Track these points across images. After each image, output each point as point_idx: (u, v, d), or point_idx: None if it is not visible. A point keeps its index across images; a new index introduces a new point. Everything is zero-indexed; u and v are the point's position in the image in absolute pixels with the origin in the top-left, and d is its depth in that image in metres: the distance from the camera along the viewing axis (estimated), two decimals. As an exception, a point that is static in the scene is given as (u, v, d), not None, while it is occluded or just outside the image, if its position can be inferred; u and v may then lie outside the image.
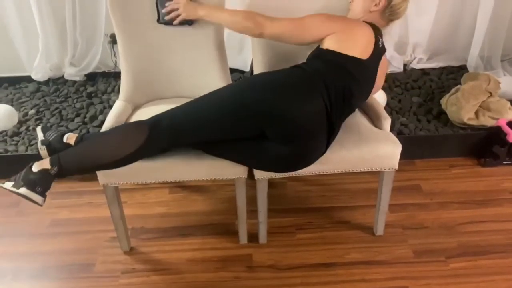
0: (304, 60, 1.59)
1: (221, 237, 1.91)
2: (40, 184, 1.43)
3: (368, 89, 1.64)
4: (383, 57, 1.66)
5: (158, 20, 1.75)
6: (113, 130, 1.58)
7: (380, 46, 1.60)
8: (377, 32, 1.60)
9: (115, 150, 1.47)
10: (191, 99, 1.55)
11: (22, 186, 1.41)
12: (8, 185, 1.43)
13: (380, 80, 1.70)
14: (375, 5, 1.63)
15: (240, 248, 1.85)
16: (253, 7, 1.81)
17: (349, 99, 1.52)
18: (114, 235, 1.83)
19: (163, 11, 1.71)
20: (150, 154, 1.55)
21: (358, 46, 1.52)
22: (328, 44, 1.53)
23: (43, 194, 1.44)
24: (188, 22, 1.74)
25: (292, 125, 1.41)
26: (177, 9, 1.69)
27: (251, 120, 1.44)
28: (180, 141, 1.52)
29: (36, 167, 1.45)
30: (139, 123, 1.51)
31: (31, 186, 1.41)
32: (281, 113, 1.40)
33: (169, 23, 1.73)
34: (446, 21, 2.81)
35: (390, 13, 1.65)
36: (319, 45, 1.60)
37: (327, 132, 1.49)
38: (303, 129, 1.42)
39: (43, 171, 1.44)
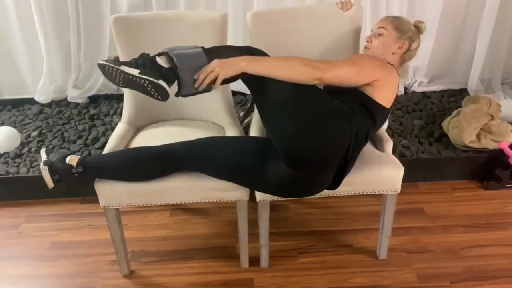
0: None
1: (222, 260, 1.88)
2: (172, 79, 1.42)
3: (379, 128, 1.72)
4: None
5: (179, 93, 1.47)
6: (227, 50, 1.54)
7: (398, 93, 1.64)
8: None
9: None
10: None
11: (160, 77, 1.39)
12: (133, 71, 1.39)
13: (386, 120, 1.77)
14: (399, 48, 1.67)
15: (242, 272, 1.83)
16: (254, 40, 1.85)
17: (367, 140, 1.59)
18: (114, 258, 1.81)
19: (196, 80, 1.43)
20: None
21: (388, 97, 1.57)
22: (367, 90, 1.55)
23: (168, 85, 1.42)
24: (207, 89, 1.46)
25: (315, 155, 1.41)
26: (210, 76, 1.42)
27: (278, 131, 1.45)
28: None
29: (162, 62, 1.42)
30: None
31: (166, 78, 1.40)
32: (312, 137, 1.40)
33: (192, 93, 1.47)
34: (446, 44, 2.85)
35: (408, 56, 1.71)
36: None
37: (336, 170, 1.51)
38: (318, 161, 1.43)
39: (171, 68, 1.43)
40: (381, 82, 1.54)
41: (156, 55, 1.44)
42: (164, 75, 1.41)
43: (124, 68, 1.40)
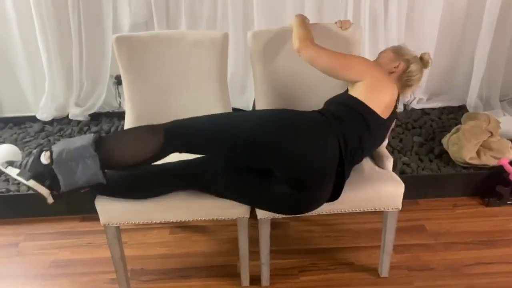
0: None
1: (222, 279, 1.87)
2: (49, 178, 1.37)
3: (377, 145, 1.71)
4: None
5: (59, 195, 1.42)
6: (128, 136, 1.53)
7: (397, 110, 1.66)
8: (398, 96, 1.65)
9: (130, 156, 1.45)
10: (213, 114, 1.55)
11: (31, 177, 1.36)
12: (13, 172, 1.38)
13: (386, 138, 1.76)
14: (395, 67, 1.69)
15: (242, 290, 1.82)
16: (254, 59, 1.87)
17: (362, 151, 1.56)
18: (114, 276, 1.80)
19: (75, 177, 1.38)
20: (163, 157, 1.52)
21: (382, 104, 1.56)
22: (358, 93, 1.56)
23: (51, 189, 1.38)
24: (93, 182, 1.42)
25: (306, 169, 1.42)
26: None
27: (264, 154, 1.45)
28: (193, 150, 1.51)
29: (43, 159, 1.39)
30: (154, 129, 1.48)
31: (40, 179, 1.36)
32: (298, 156, 1.41)
33: (68, 190, 1.41)
34: (444, 62, 2.87)
35: (407, 78, 1.72)
36: (346, 90, 1.65)
37: (334, 181, 1.50)
38: (316, 175, 1.44)
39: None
40: (373, 84, 1.55)
41: (46, 149, 1.41)
42: (39, 174, 1.37)
43: (8, 169, 1.40)
